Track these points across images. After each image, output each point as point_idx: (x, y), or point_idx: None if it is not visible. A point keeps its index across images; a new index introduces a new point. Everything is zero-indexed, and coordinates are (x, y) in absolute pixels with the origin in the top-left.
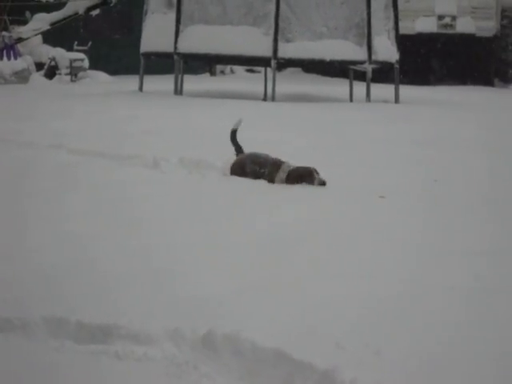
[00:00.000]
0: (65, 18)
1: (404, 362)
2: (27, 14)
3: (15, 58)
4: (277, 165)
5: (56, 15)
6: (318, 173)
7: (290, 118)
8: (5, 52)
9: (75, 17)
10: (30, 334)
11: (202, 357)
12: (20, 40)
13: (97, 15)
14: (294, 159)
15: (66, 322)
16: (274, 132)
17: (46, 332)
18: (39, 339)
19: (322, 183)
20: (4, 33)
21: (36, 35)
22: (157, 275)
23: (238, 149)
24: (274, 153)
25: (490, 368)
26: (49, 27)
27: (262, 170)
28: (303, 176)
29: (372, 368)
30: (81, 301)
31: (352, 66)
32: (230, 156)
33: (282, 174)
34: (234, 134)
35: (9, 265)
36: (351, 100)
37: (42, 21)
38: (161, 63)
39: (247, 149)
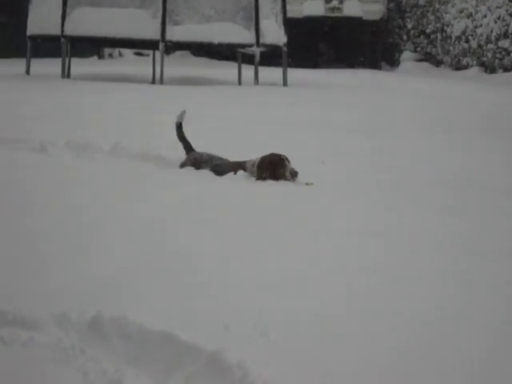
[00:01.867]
0: None
1: (291, 343)
2: None
3: None
4: (239, 164)
5: None
6: (289, 161)
7: (177, 101)
8: None
9: None
10: None
11: (88, 341)
12: None
13: None
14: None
15: None
16: (164, 115)
17: None
18: None
19: (295, 174)
20: None
21: None
22: (42, 259)
23: (187, 145)
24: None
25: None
26: None
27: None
28: (276, 165)
29: (260, 349)
30: None
31: (240, 49)
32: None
33: (251, 167)
34: (179, 128)
35: None
36: (240, 83)
37: None
38: (49, 46)
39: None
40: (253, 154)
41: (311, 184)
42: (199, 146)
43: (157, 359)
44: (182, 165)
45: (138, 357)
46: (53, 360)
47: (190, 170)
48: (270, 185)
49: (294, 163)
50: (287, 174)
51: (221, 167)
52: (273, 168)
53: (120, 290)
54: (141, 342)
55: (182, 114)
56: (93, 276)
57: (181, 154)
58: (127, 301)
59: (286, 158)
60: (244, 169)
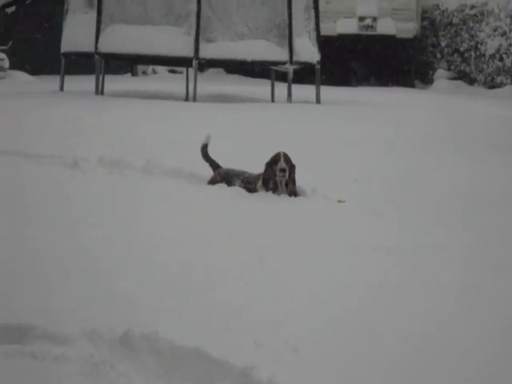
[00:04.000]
0: None
1: (321, 360)
2: None
3: None
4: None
5: None
6: (288, 159)
7: (210, 118)
8: None
9: None
10: None
11: (119, 356)
12: None
13: (16, 13)
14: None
15: None
16: (196, 131)
17: None
18: None
19: (282, 169)
20: None
21: None
22: (73, 274)
23: (213, 164)
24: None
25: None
26: None
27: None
28: (274, 161)
29: (290, 365)
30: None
31: (273, 67)
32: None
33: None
34: (204, 149)
35: None
36: (273, 100)
37: None
38: (82, 63)
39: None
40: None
41: (343, 201)
42: (231, 162)
43: (187, 375)
44: (211, 181)
45: (168, 372)
46: (83, 375)
47: (222, 186)
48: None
49: (326, 180)
50: (277, 172)
51: (249, 180)
52: (273, 164)
53: (150, 307)
54: (171, 357)
55: (208, 138)
56: (123, 293)
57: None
58: (158, 317)
59: (285, 155)
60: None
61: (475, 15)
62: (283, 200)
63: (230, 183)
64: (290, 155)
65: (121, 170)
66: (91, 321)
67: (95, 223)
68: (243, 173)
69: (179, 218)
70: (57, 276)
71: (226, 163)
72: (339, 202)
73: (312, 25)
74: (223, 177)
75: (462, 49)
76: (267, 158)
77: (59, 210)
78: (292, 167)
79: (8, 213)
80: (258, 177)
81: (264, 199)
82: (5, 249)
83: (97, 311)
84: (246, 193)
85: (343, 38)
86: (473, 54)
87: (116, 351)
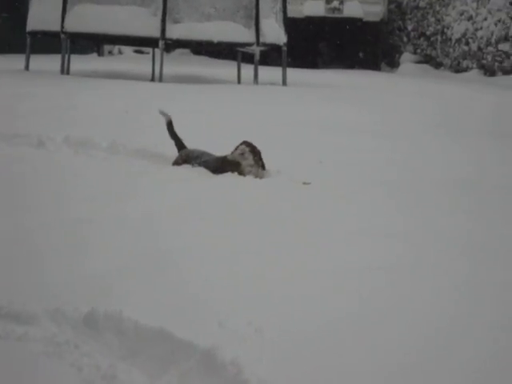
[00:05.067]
0: None
1: (285, 340)
2: None
3: None
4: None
5: None
6: (255, 153)
7: (176, 99)
8: None
9: None
10: None
11: (83, 336)
12: None
13: None
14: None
15: None
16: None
17: None
18: None
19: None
20: None
21: None
22: (37, 255)
23: (179, 143)
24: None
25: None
26: None
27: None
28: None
29: (254, 346)
30: None
31: (240, 48)
32: None
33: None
34: (170, 126)
35: None
36: (239, 82)
37: None
38: (49, 42)
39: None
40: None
41: (308, 183)
42: (196, 143)
43: (151, 355)
44: (175, 162)
45: (132, 353)
46: (47, 354)
47: (186, 167)
48: (262, 183)
49: (291, 162)
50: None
51: (208, 162)
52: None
53: (115, 287)
54: (135, 338)
55: (166, 115)
56: (87, 272)
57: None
58: (122, 297)
59: (252, 149)
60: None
61: None
62: (250, 180)
63: (191, 164)
64: (252, 141)
65: (87, 150)
66: (55, 300)
67: (58, 202)
68: (206, 154)
69: (145, 198)
70: (20, 255)
71: (191, 144)
72: (304, 183)
73: (279, 6)
74: (184, 158)
75: (428, 32)
76: (232, 141)
77: (26, 191)
78: (257, 154)
79: None
80: (218, 159)
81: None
82: None
83: (61, 290)
84: (210, 174)
85: (310, 21)
86: (439, 37)
87: (80, 331)
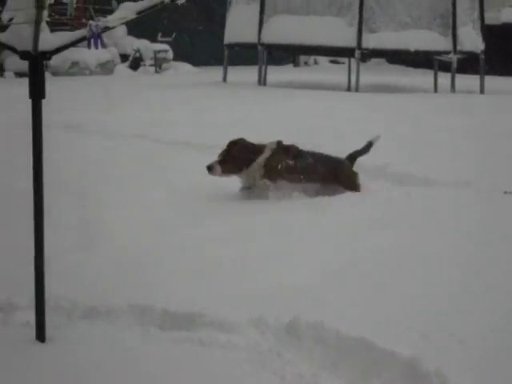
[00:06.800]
0: (151, 7)
1: (489, 352)
2: (113, 3)
3: (103, 47)
4: None
5: (142, 4)
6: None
7: (374, 108)
8: (92, 41)
9: (161, 5)
10: (115, 321)
11: (285, 344)
12: (106, 29)
13: (180, 6)
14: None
15: (151, 310)
16: (359, 123)
17: (131, 319)
18: (124, 326)
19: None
20: (91, 21)
21: (122, 24)
22: (239, 264)
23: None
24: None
25: None
26: (135, 16)
27: None
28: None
29: (457, 357)
30: (165, 288)
31: (437, 57)
32: None
33: None
34: (368, 148)
35: (89, 253)
36: (436, 91)
37: (128, 10)
38: (244, 54)
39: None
40: None
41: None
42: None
43: (353, 365)
44: None
45: (334, 362)
46: (250, 362)
47: None
48: None
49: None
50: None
51: None
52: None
53: (316, 297)
54: (337, 347)
55: (376, 139)
56: (290, 282)
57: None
58: (323, 307)
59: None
60: None
61: None
62: None
63: None
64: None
65: None
66: (257, 309)
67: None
68: None
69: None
70: (225, 265)
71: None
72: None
73: (476, 14)
74: None
75: None
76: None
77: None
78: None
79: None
80: None
81: None
82: (174, 237)
83: (263, 299)
84: None
85: (508, 27)
86: None
87: (282, 340)
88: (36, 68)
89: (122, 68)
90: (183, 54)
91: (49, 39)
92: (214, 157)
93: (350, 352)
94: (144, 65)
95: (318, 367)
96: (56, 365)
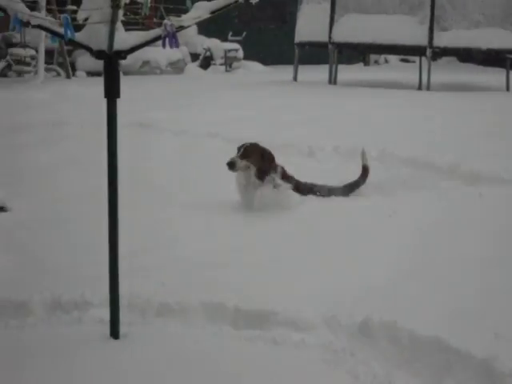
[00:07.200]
0: (225, 6)
1: None
2: (188, 2)
3: (176, 47)
4: None
5: (216, 3)
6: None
7: (444, 107)
8: (167, 40)
9: (235, 4)
10: (188, 319)
11: (358, 344)
12: (181, 28)
13: (250, 5)
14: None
15: (223, 308)
16: (432, 122)
17: (203, 317)
18: (197, 324)
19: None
20: (166, 21)
21: (196, 23)
22: (305, 263)
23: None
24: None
25: None
26: (209, 15)
27: None
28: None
29: None
30: (237, 287)
31: (509, 55)
32: None
33: None
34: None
35: (161, 252)
36: (507, 89)
37: (202, 9)
38: (314, 53)
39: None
40: None
41: None
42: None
43: (427, 364)
44: None
45: (408, 361)
46: (323, 361)
47: None
48: None
49: None
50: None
51: None
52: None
53: (387, 296)
54: (411, 347)
55: (364, 155)
56: (360, 281)
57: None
58: (395, 306)
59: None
60: None
61: None
62: None
63: None
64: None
65: (356, 159)
66: (331, 308)
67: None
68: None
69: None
70: (292, 264)
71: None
72: None
73: None
74: None
75: None
76: None
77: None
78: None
79: None
80: None
81: None
82: (241, 238)
83: (336, 298)
84: None
85: None
86: None
87: (355, 339)
88: (111, 67)
89: (193, 67)
90: (253, 53)
91: (124, 38)
92: (283, 155)
93: (423, 351)
94: (214, 64)
95: (391, 366)
96: (130, 361)
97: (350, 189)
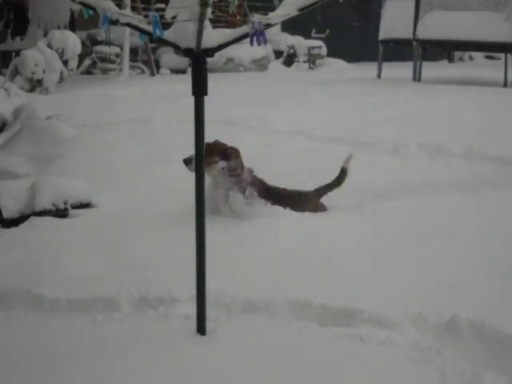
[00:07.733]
0: (313, 4)
1: None
2: (276, 0)
3: (265, 43)
4: None
5: (304, 0)
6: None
7: None
8: (254, 38)
9: (322, 2)
10: (273, 316)
11: (445, 342)
12: (269, 26)
13: (337, 3)
14: None
15: (309, 305)
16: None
17: (289, 314)
18: (283, 321)
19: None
20: (254, 19)
21: (283, 20)
22: (392, 260)
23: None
24: None
25: None
26: (297, 13)
27: None
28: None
29: None
30: (322, 284)
31: None
32: None
33: None
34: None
35: (247, 250)
36: None
37: (290, 6)
38: (398, 50)
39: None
40: None
41: None
42: None
43: None
44: None
45: (495, 361)
46: (410, 359)
47: None
48: None
49: None
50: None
51: None
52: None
53: (473, 294)
54: (498, 346)
55: (347, 161)
56: (442, 279)
57: None
58: (482, 305)
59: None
60: None
61: None
62: None
63: None
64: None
65: (441, 157)
66: (416, 305)
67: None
68: None
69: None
70: (375, 262)
71: None
72: None
73: None
74: None
75: None
76: None
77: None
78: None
79: None
80: None
81: None
82: (326, 236)
83: (420, 296)
84: None
85: None
86: None
87: (442, 337)
88: (199, 65)
89: (276, 64)
90: (336, 51)
91: (211, 36)
92: (372, 154)
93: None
94: (298, 61)
95: (479, 365)
96: (217, 357)
97: (321, 192)
